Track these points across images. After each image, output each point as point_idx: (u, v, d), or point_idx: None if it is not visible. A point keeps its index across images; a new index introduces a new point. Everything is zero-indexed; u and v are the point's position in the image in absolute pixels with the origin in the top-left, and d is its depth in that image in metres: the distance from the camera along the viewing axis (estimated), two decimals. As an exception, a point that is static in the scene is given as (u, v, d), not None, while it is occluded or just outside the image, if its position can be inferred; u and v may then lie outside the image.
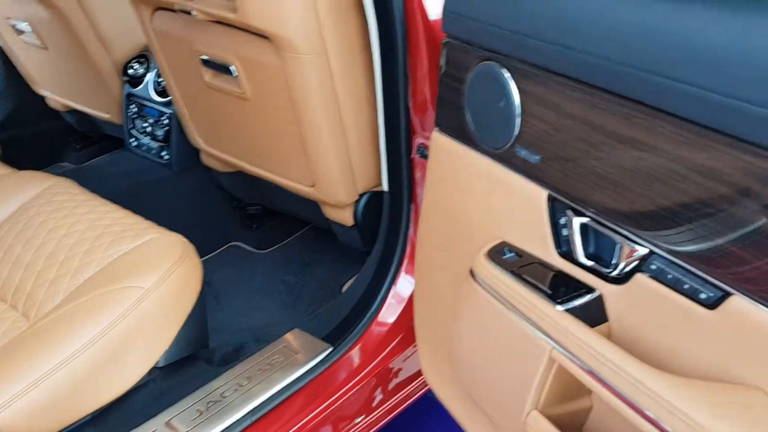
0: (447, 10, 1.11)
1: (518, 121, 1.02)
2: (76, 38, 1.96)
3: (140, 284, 1.26)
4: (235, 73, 1.56)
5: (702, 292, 0.78)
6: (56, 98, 2.34)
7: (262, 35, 1.43)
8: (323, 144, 1.55)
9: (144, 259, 1.33)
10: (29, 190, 1.53)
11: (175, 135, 2.00)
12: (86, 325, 1.20)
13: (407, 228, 1.52)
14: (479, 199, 1.15)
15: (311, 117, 1.50)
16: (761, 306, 0.71)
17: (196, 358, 1.50)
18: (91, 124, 2.41)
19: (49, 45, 2.06)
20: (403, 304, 1.52)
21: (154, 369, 1.33)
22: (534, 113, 0.98)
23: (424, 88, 1.41)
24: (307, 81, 1.45)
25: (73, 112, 2.36)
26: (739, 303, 0.74)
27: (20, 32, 2.10)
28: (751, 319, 0.72)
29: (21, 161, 2.46)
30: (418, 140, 1.47)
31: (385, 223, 1.57)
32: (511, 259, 1.05)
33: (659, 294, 0.83)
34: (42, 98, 2.39)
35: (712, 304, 0.77)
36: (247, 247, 2.13)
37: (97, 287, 1.27)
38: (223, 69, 1.58)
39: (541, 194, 1.01)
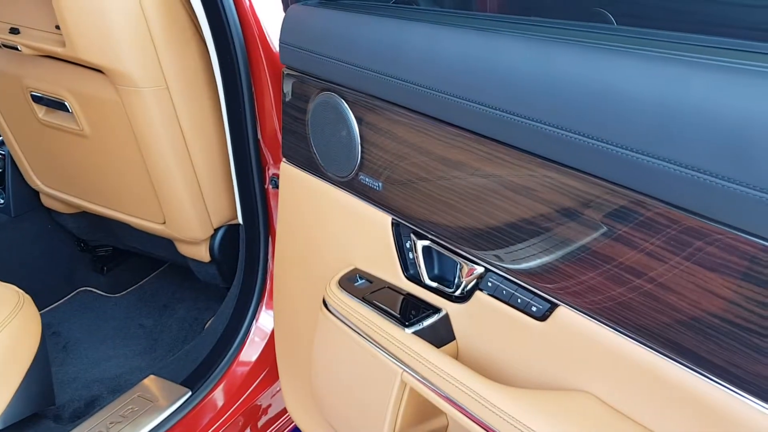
0: (282, 42, 1.11)
1: (359, 149, 1.03)
2: None
3: (-34, 343, 1.15)
4: (71, 109, 1.48)
5: (533, 305, 0.82)
6: None
7: (96, 69, 1.36)
8: (172, 179, 1.49)
9: (-29, 315, 1.21)
10: None
11: (10, 177, 1.85)
12: None
13: (266, 261, 1.49)
14: (330, 227, 1.15)
15: (157, 152, 1.45)
16: (585, 316, 0.76)
17: (43, 416, 1.38)
18: None
19: None
20: (266, 340, 1.48)
21: (-10, 434, 1.21)
22: (373, 141, 1.00)
23: (273, 119, 1.41)
24: (149, 115, 1.40)
25: None
26: (566, 314, 0.78)
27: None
28: (577, 328, 0.77)
29: None
30: (271, 171, 1.46)
31: (243, 256, 1.53)
32: (362, 285, 1.06)
33: (497, 309, 0.87)
34: None
35: (542, 316, 0.81)
36: (99, 292, 2.00)
37: None
38: (56, 105, 1.49)
39: (386, 219, 1.02)
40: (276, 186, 1.44)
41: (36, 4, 1.37)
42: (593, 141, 0.66)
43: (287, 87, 1.16)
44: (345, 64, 0.99)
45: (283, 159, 1.23)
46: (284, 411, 1.63)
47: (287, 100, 1.17)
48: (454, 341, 0.97)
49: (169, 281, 2.04)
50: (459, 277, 0.94)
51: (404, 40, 0.89)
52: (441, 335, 0.96)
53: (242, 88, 1.36)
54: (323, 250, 1.18)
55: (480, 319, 0.91)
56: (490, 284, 0.88)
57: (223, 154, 1.52)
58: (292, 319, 1.31)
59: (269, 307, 1.51)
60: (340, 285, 1.06)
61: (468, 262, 0.91)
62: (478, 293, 0.90)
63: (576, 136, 0.68)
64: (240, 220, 1.53)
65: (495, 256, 0.85)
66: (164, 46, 1.34)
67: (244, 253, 1.53)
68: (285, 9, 1.16)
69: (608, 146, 0.65)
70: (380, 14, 0.98)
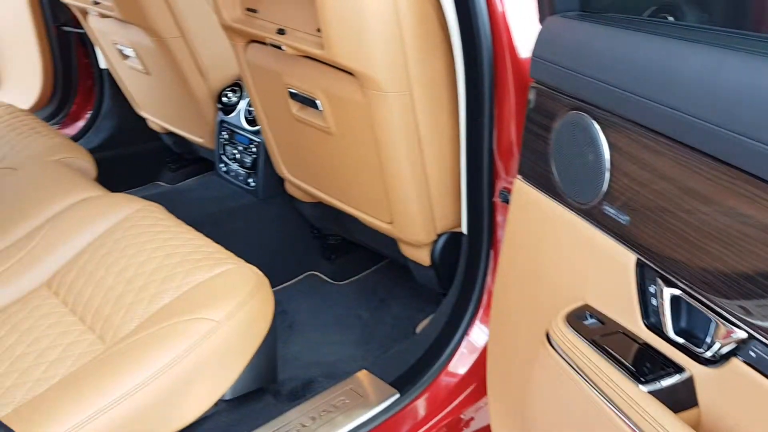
0: (535, 55, 1.05)
1: (607, 176, 0.94)
2: (176, 66, 2.03)
3: (211, 317, 1.26)
4: (321, 108, 1.56)
5: (812, 391, 0.68)
6: (155, 120, 2.44)
7: (348, 71, 1.42)
8: (403, 182, 1.51)
9: (217, 291, 1.33)
10: (118, 213, 1.58)
11: (262, 163, 2.03)
12: (157, 354, 1.21)
13: (485, 275, 1.45)
14: (562, 255, 1.08)
15: (393, 155, 1.48)
16: None
17: (264, 391, 1.49)
18: (187, 147, 2.49)
19: (151, 71, 2.15)
20: (476, 354, 1.45)
21: (221, 401, 1.33)
22: (625, 170, 0.91)
23: (510, 130, 1.35)
24: (390, 118, 1.42)
25: (171, 134, 2.45)
26: None
27: (125, 57, 2.21)
28: None
29: (121, 179, 2.58)
30: (501, 184, 1.41)
31: (462, 267, 1.51)
32: (592, 325, 0.97)
33: (760, 386, 0.74)
34: (143, 119, 2.50)
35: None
36: (325, 278, 2.12)
37: (170, 316, 1.28)
38: (309, 102, 1.59)
39: (630, 258, 0.93)
40: (505, 200, 1.39)
41: (302, 8, 1.46)
42: None
43: (533, 102, 1.10)
44: (603, 84, 0.91)
45: (519, 176, 1.17)
46: (487, 429, 1.58)
47: (531, 115, 1.11)
48: (696, 409, 0.84)
49: (389, 276, 2.09)
50: (712, 337, 0.81)
51: (678, 63, 0.79)
52: (681, 399, 0.84)
53: (484, 97, 1.33)
54: (551, 277, 1.11)
55: (734, 391, 0.78)
56: (753, 354, 0.75)
57: (455, 162, 1.50)
58: (509, 341, 1.26)
59: (483, 321, 1.47)
60: (567, 321, 0.98)
61: (726, 323, 0.78)
62: (735, 360, 0.78)
63: None
64: (464, 229, 1.51)
65: (766, 321, 0.72)
66: (413, 52, 1.35)
67: (464, 263, 1.51)
68: (541, 20, 1.10)
69: None
70: (649, 32, 0.88)
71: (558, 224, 1.07)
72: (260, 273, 1.41)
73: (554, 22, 1.02)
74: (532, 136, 1.11)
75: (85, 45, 2.56)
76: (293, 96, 1.63)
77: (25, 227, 1.58)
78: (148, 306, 1.34)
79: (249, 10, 1.59)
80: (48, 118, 2.70)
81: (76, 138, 2.60)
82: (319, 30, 1.43)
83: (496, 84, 1.32)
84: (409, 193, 1.53)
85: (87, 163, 1.90)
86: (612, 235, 0.96)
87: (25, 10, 2.39)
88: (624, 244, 0.93)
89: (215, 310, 1.28)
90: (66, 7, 2.27)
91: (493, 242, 1.46)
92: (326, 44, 1.37)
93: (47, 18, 2.44)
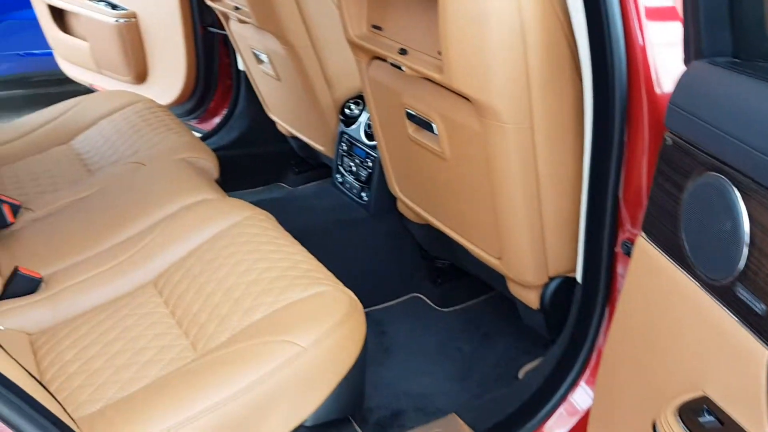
0: (673, 102, 0.92)
1: (745, 252, 0.80)
2: (305, 74, 2.05)
3: (298, 341, 1.24)
4: (436, 132, 1.49)
5: None
6: (283, 124, 2.48)
7: (466, 97, 1.34)
8: (516, 218, 1.41)
9: (309, 313, 1.31)
10: (228, 219, 1.60)
11: (376, 179, 1.99)
12: (241, 373, 1.20)
13: (597, 332, 1.32)
14: (683, 332, 0.94)
15: (507, 188, 1.38)
16: None
17: (349, 419, 1.44)
18: (310, 152, 2.51)
19: (282, 77, 2.18)
20: (576, 418, 1.32)
21: (301, 427, 1.30)
22: (767, 249, 0.76)
23: (640, 176, 1.22)
24: (507, 151, 1.33)
25: (296, 138, 2.48)
26: None
27: (260, 61, 2.26)
28: None
29: (247, 177, 2.66)
30: (624, 234, 1.27)
31: (573, 318, 1.38)
32: (709, 424, 0.83)
33: None
34: (272, 122, 2.56)
35: None
36: (429, 302, 2.05)
37: (259, 334, 1.27)
38: (425, 125, 1.52)
39: (763, 353, 0.78)
40: (627, 253, 1.25)
41: (425, 29, 1.39)
42: None
43: (666, 154, 0.97)
44: (748, 147, 0.77)
45: (642, 233, 1.04)
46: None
47: (663, 168, 0.98)
48: None
49: (496, 309, 1.98)
50: None
51: None
52: None
53: (613, 137, 1.20)
54: (668, 354, 0.98)
55: None
56: None
57: (575, 203, 1.38)
58: (614, 415, 1.13)
59: (589, 383, 1.34)
60: (679, 414, 0.85)
61: None
62: None
63: None
64: (579, 277, 1.38)
65: None
66: (538, 85, 1.25)
67: (576, 314, 1.38)
68: (686, 61, 0.96)
69: None
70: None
71: (682, 297, 0.93)
72: (355, 298, 1.36)
73: (699, 69, 0.88)
74: (661, 193, 0.98)
75: (228, 46, 2.65)
76: (410, 117, 1.57)
77: (142, 223, 1.64)
78: (241, 319, 1.34)
79: (374, 27, 1.55)
80: (187, 113, 2.84)
81: (210, 134, 2.71)
82: (440, 53, 1.37)
83: (629, 123, 1.19)
84: (521, 231, 1.43)
85: (210, 163, 1.95)
86: (744, 323, 0.81)
87: (176, 10, 2.52)
88: (758, 335, 0.79)
89: (303, 334, 1.25)
90: (212, 10, 2.36)
91: (610, 296, 1.32)
92: (446, 68, 1.30)
93: (195, 19, 2.55)
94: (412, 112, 1.55)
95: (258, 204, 1.71)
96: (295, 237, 1.56)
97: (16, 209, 1.69)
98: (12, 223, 1.66)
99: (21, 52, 3.58)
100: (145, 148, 1.96)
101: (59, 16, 2.89)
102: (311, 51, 1.99)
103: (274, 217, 1.66)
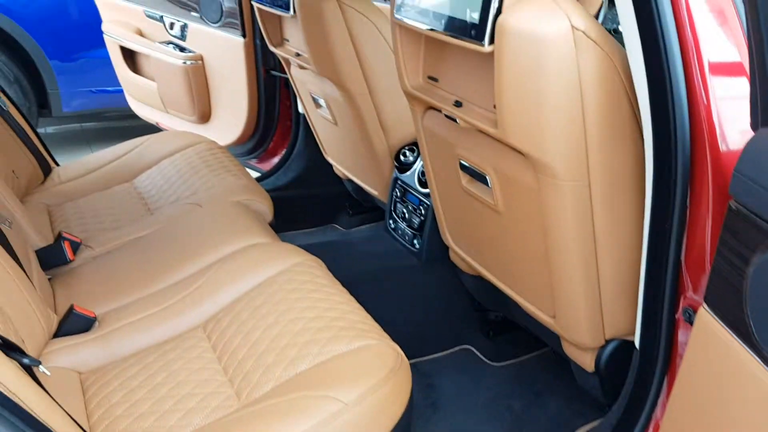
0: (739, 170, 0.87)
1: (819, 338, 0.74)
2: (361, 120, 2.06)
3: (341, 397, 1.21)
4: (490, 184, 1.46)
5: None
6: (339, 167, 2.50)
7: (521, 152, 1.31)
8: (571, 277, 1.36)
9: (353, 368, 1.28)
10: (278, 264, 1.61)
11: (429, 226, 1.97)
12: (282, 428, 1.18)
13: (654, 402, 1.25)
14: (748, 417, 0.87)
15: (562, 246, 1.34)
16: None
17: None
18: (365, 195, 2.52)
19: (339, 122, 2.20)
20: (629, 494, 1.24)
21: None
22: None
23: (704, 240, 1.15)
24: (562, 208, 1.29)
25: (351, 181, 2.49)
26: None
27: (318, 105, 2.29)
28: None
29: (302, 217, 2.68)
30: (686, 300, 1.21)
31: (630, 386, 1.31)
32: None
33: None
34: (329, 164, 2.58)
35: None
36: (480, 355, 1.99)
37: (302, 387, 1.25)
38: (479, 177, 1.50)
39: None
40: (689, 321, 1.19)
41: (481, 82, 1.38)
42: None
43: (730, 222, 0.91)
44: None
45: (704, 304, 0.98)
46: None
47: (726, 239, 0.92)
48: None
49: (549, 366, 1.91)
50: None
51: None
52: None
53: (675, 197, 1.15)
54: (730, 437, 0.91)
55: None
56: None
57: (634, 263, 1.32)
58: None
59: (645, 457, 1.26)
60: None
61: None
62: None
63: None
64: (637, 342, 1.31)
65: None
66: (596, 142, 1.22)
67: (633, 381, 1.31)
68: (753, 127, 0.91)
69: None
70: None
71: (747, 377, 0.87)
72: (401, 353, 1.33)
73: (766, 136, 0.83)
74: (725, 264, 0.92)
75: (289, 89, 2.71)
76: (464, 168, 1.55)
77: (195, 266, 1.66)
78: (285, 370, 1.32)
79: (430, 78, 1.55)
80: (247, 152, 2.90)
81: (268, 174, 2.76)
82: (495, 107, 1.35)
83: (692, 184, 1.14)
84: (577, 291, 1.37)
85: (265, 206, 1.97)
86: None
87: (240, 54, 2.59)
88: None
89: (346, 390, 1.22)
90: (275, 54, 2.42)
91: (669, 365, 1.25)
92: (500, 123, 1.28)
93: (258, 62, 2.62)
94: (466, 164, 1.53)
95: (310, 248, 1.71)
96: (345, 283, 1.55)
97: (76, 246, 1.74)
98: (72, 261, 1.71)
99: (94, 89, 3.75)
100: (203, 189, 2.00)
101: (130, 57, 3.02)
102: (368, 98, 2.00)
103: (324, 263, 1.66)
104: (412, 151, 2.08)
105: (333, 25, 1.88)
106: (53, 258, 1.69)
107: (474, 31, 1.24)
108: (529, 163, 1.31)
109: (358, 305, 1.48)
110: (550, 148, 1.22)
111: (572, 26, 1.15)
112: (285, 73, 2.49)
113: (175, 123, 2.97)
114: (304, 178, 2.70)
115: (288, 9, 1.96)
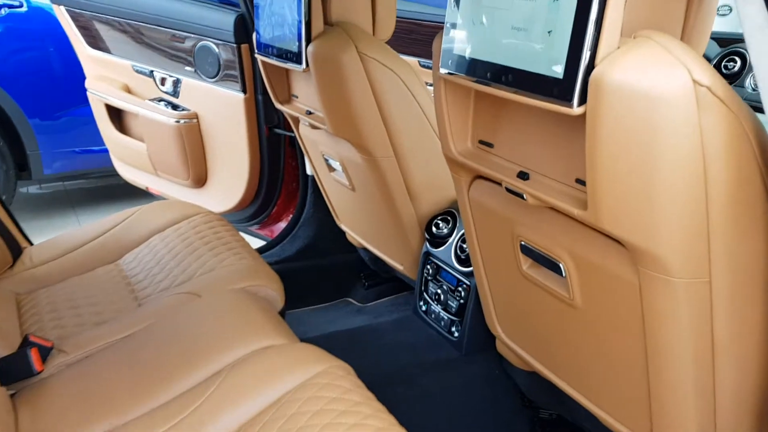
0: None
1: None
2: (384, 186, 1.78)
3: None
4: (565, 273, 1.18)
5: None
6: (354, 236, 2.21)
7: (614, 238, 1.03)
8: (679, 391, 1.07)
9: None
10: (298, 374, 1.30)
11: (471, 312, 1.67)
12: None
13: None
14: None
15: (670, 354, 1.05)
16: None
17: None
18: (383, 264, 2.22)
19: (357, 187, 1.93)
20: None
21: None
22: None
23: None
24: (674, 310, 1.00)
25: (367, 249, 2.20)
26: None
27: (332, 169, 2.01)
28: None
29: (313, 291, 2.38)
30: None
31: None
32: None
33: None
34: (342, 232, 2.29)
35: None
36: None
37: None
38: (548, 263, 1.21)
39: None
40: None
41: (555, 150, 1.11)
42: None
43: None
44: None
45: None
46: None
47: None
48: None
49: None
50: None
51: None
52: None
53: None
54: None
55: None
56: None
57: (761, 377, 1.03)
58: None
59: None
60: None
61: None
62: None
63: None
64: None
65: None
66: (722, 227, 0.94)
67: None
68: None
69: None
70: None
71: None
72: None
73: None
74: None
75: (295, 147, 2.44)
76: (526, 250, 1.26)
77: (197, 376, 1.35)
78: None
79: (483, 143, 1.27)
80: (249, 218, 2.61)
81: (273, 243, 2.46)
82: (578, 181, 1.07)
83: None
84: (686, 408, 1.08)
85: (274, 292, 1.67)
86: None
87: (240, 110, 2.32)
88: None
89: None
90: (278, 110, 2.15)
91: None
92: (591, 203, 1.00)
93: (260, 119, 2.35)
94: (530, 246, 1.24)
95: (331, 340, 1.41)
96: (376, 386, 1.28)
97: (46, 353, 1.43)
98: (40, 372, 1.40)
99: (78, 149, 3.46)
100: (200, 272, 1.70)
101: (117, 115, 2.75)
102: (394, 162, 1.73)
103: (351, 367, 1.36)
104: (446, 221, 1.79)
105: (353, 80, 1.62)
106: (17, 370, 1.37)
107: (557, 89, 0.96)
108: (624, 251, 1.03)
109: (389, 417, 1.18)
110: (664, 238, 0.94)
111: (694, 80, 0.88)
112: (291, 131, 2.22)
113: (168, 187, 2.68)
114: (314, 247, 2.40)
115: (299, 62, 1.70)
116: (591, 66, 0.93)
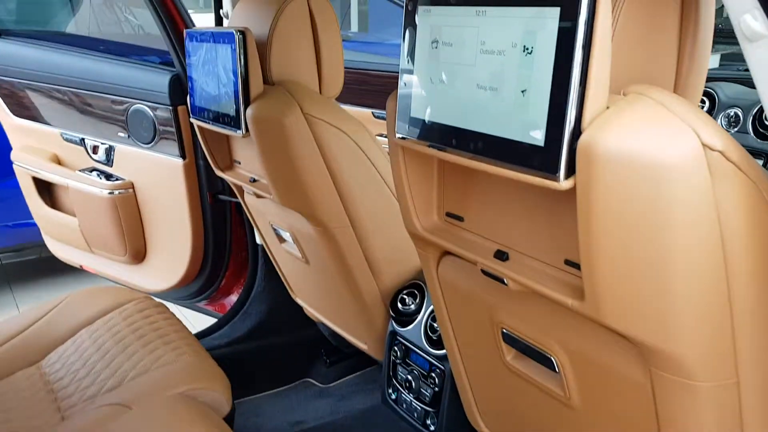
0: None
1: None
2: (341, 258, 1.59)
3: None
4: (558, 369, 0.99)
5: None
6: (312, 312, 2.00)
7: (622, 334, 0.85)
8: None
9: None
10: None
11: (448, 401, 1.47)
12: None
13: None
14: None
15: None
16: None
17: None
18: (345, 341, 2.01)
19: (311, 260, 1.73)
20: None
21: None
22: None
23: None
24: (696, 417, 0.82)
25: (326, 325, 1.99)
26: None
27: (282, 240, 1.82)
28: None
29: (269, 374, 2.15)
30: None
31: None
32: None
33: None
34: (298, 306, 2.08)
35: None
36: None
37: None
38: (537, 356, 1.03)
39: None
40: None
41: (539, 226, 0.93)
42: None
43: None
44: None
45: None
46: None
47: None
48: None
49: None
50: None
51: None
52: None
53: None
54: None
55: None
56: None
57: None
58: None
59: None
60: None
61: None
62: None
63: None
64: None
65: None
66: (749, 317, 0.77)
67: None
68: None
69: None
70: None
71: None
72: None
73: None
74: None
75: (242, 214, 2.24)
76: (509, 339, 1.08)
77: None
78: None
79: (451, 216, 1.09)
80: (195, 294, 2.37)
81: (222, 322, 2.23)
82: (568, 262, 0.90)
83: None
84: None
85: (220, 395, 1.44)
86: None
87: (179, 178, 2.12)
88: None
89: None
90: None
91: None
92: (590, 296, 0.82)
93: (202, 186, 2.15)
94: (513, 335, 1.06)
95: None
96: None
97: (-60, 497, 1.17)
98: None
99: (10, 224, 3.19)
100: (132, 375, 1.46)
101: (46, 189, 2.51)
102: (350, 231, 1.54)
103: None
104: (412, 296, 1.59)
105: (299, 145, 1.43)
106: None
107: (538, 159, 0.79)
108: (630, 346, 0.85)
109: None
110: (683, 335, 0.77)
111: (703, 145, 0.72)
112: (236, 197, 2.02)
113: (104, 265, 2.44)
114: (268, 324, 2.18)
115: (238, 127, 1.51)
116: (577, 130, 0.76)
